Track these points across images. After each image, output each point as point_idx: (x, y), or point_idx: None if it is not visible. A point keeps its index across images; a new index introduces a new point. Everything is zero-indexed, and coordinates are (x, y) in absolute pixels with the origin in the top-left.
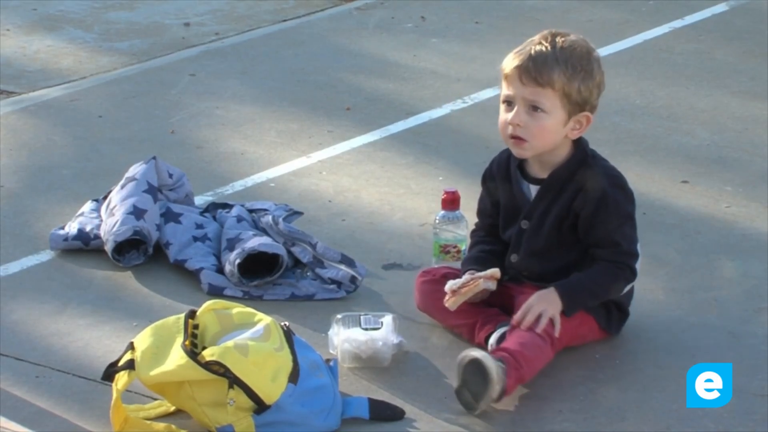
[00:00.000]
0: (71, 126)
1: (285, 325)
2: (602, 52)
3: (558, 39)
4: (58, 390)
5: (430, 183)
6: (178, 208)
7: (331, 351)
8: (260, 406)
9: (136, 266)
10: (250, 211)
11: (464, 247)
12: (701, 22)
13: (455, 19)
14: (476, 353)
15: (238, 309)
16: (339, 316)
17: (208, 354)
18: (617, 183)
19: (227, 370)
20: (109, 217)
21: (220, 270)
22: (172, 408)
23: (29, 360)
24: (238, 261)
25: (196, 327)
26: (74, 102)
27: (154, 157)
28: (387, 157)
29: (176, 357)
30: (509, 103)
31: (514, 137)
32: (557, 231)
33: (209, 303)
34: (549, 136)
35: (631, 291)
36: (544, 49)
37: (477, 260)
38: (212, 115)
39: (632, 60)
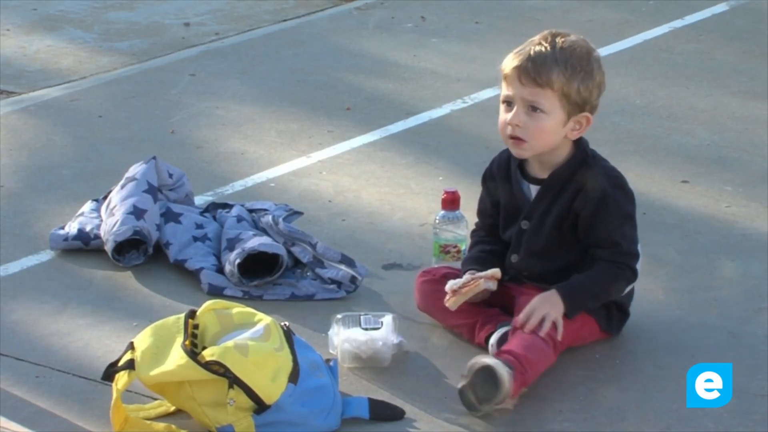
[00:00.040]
0: (71, 126)
1: (285, 325)
2: (602, 52)
3: (558, 39)
4: (58, 390)
5: (430, 183)
6: (178, 208)
7: (331, 351)
8: (260, 406)
9: (136, 266)
10: (250, 211)
11: (464, 247)
12: (701, 22)
13: (455, 19)
14: (489, 360)
15: (238, 309)
16: (339, 316)
17: (208, 354)
18: (617, 183)
19: (227, 370)
20: (109, 217)
21: (220, 270)
22: (172, 408)
23: (29, 360)
24: (238, 261)
25: (196, 327)
26: (74, 102)
27: (154, 157)
28: (387, 157)
29: (176, 357)
30: (509, 103)
31: (513, 137)
32: (557, 231)
33: (209, 303)
34: (548, 136)
35: (632, 291)
36: (543, 49)
37: (477, 260)
38: (212, 115)
39: (632, 60)
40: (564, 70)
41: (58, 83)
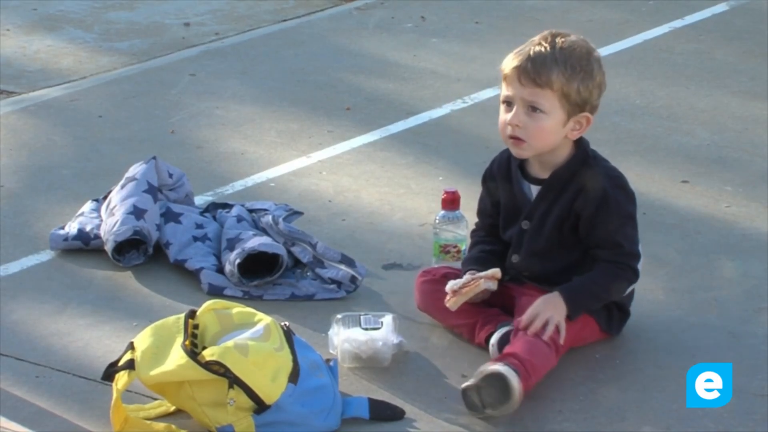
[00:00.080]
0: (71, 126)
1: (285, 325)
2: (602, 52)
3: (557, 39)
4: (58, 390)
5: (430, 183)
6: (178, 208)
7: (331, 351)
8: (260, 406)
9: (136, 266)
10: (250, 211)
11: (464, 247)
12: (701, 22)
13: (455, 19)
14: (502, 368)
15: (238, 309)
16: (339, 316)
17: (208, 354)
18: (618, 183)
19: (227, 370)
20: (109, 217)
21: (220, 270)
22: (172, 408)
23: (29, 360)
24: (238, 261)
25: (196, 327)
26: (74, 102)
27: (154, 157)
28: (387, 157)
29: (176, 357)
30: (509, 103)
31: (513, 137)
32: (558, 232)
33: (209, 303)
34: (548, 136)
35: (632, 291)
36: (543, 49)
37: (477, 260)
38: (212, 115)
39: (632, 60)
40: (564, 70)
41: (58, 83)
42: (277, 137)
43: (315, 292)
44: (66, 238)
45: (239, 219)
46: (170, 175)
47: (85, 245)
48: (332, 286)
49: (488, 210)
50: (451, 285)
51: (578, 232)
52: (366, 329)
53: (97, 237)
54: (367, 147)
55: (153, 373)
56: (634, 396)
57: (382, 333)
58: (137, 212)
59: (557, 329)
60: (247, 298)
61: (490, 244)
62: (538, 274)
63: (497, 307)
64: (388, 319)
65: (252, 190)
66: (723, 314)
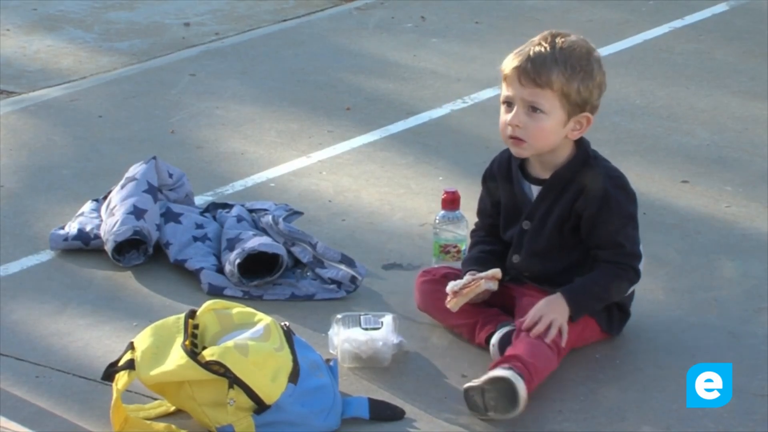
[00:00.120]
0: (71, 126)
1: (285, 325)
2: (602, 52)
3: (557, 39)
4: (58, 390)
5: (430, 183)
6: (178, 208)
7: (331, 351)
8: (260, 406)
9: (136, 266)
10: (250, 211)
11: (464, 247)
12: (701, 22)
13: (455, 19)
14: (509, 374)
15: (238, 309)
16: (339, 316)
17: (208, 354)
18: (619, 184)
19: (227, 370)
20: (109, 217)
21: (220, 270)
22: (172, 408)
23: (29, 360)
24: (238, 261)
25: (196, 327)
26: (74, 102)
27: (154, 157)
28: (387, 157)
29: (176, 357)
30: (509, 103)
31: (513, 138)
32: (559, 232)
33: (209, 303)
34: (548, 136)
35: (633, 291)
36: (543, 49)
37: (477, 260)
38: (212, 115)
39: (632, 60)
40: (563, 70)
41: (58, 83)
42: (277, 137)
43: (315, 292)
44: (66, 238)
45: (239, 219)
46: (170, 175)
47: (85, 245)
48: (332, 286)
49: (488, 210)
50: (451, 286)
51: (579, 232)
52: (366, 329)
53: (97, 237)
54: (367, 147)
55: (153, 373)
56: (634, 396)
57: (382, 333)
58: (137, 212)
59: (559, 331)
60: (247, 298)
61: (490, 244)
62: (539, 274)
63: (497, 307)
64: (388, 319)
65: (252, 190)
66: (723, 314)
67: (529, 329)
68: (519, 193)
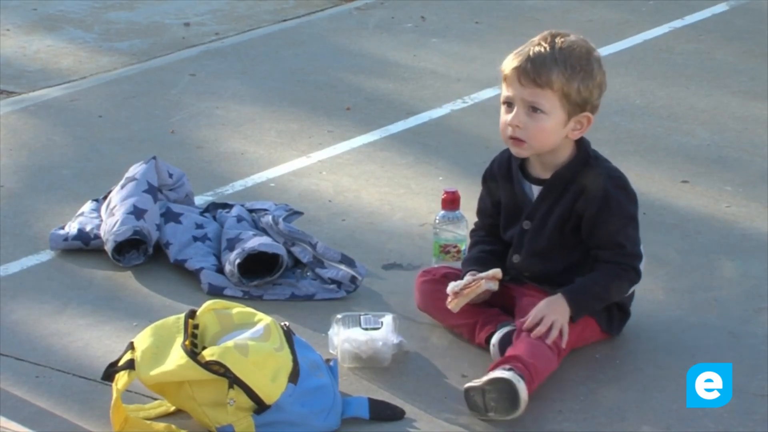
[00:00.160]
0: (71, 126)
1: (285, 325)
2: (602, 52)
3: (557, 40)
4: (58, 390)
5: (430, 183)
6: (178, 208)
7: (331, 351)
8: (260, 406)
9: (136, 266)
10: (250, 211)
11: (464, 247)
12: (701, 22)
13: (455, 19)
14: (510, 376)
15: (238, 309)
16: (339, 316)
17: (208, 354)
18: (619, 184)
19: (227, 370)
20: (109, 217)
21: (220, 270)
22: (172, 408)
23: (29, 360)
24: (238, 261)
25: (196, 327)
26: (74, 102)
27: (154, 157)
28: (387, 157)
29: (176, 357)
30: (509, 104)
31: (513, 138)
32: (559, 232)
33: (209, 303)
34: (548, 136)
35: (633, 292)
36: (542, 50)
37: (477, 261)
38: (212, 115)
39: (632, 60)
40: (563, 70)
41: (58, 83)
42: (277, 137)
43: (315, 292)
44: (66, 238)
45: (239, 219)
46: (170, 175)
47: (85, 245)
48: (332, 286)
49: (488, 210)
50: (452, 286)
51: (579, 232)
52: (366, 329)
53: (97, 237)
54: (367, 147)
55: (153, 373)
56: (634, 396)
57: (382, 333)
58: (137, 212)
59: (560, 332)
60: (247, 298)
61: (489, 244)
62: (539, 274)
63: (497, 307)
64: (388, 319)
65: (252, 190)
66: (723, 314)
67: (530, 330)
68: (519, 193)
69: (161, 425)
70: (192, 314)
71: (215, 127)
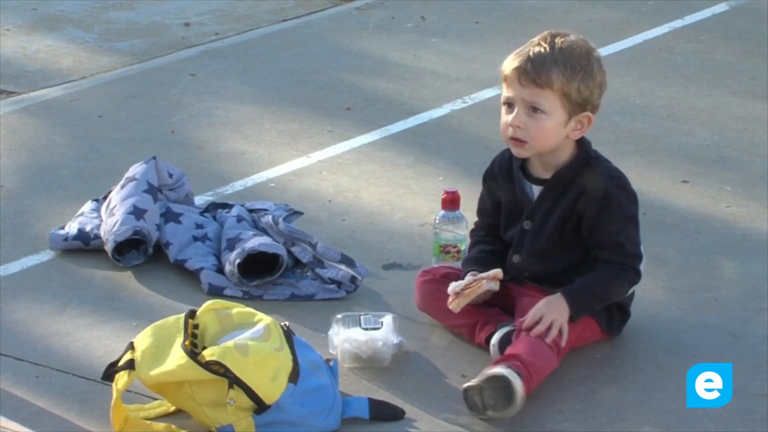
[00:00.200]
0: (71, 126)
1: (285, 325)
2: (602, 52)
3: (557, 40)
4: (58, 390)
5: (430, 183)
6: (178, 208)
7: (331, 351)
8: (260, 406)
9: (136, 266)
10: (250, 211)
11: (464, 247)
12: (701, 22)
13: (455, 19)
14: (505, 371)
15: (238, 309)
16: (339, 316)
17: (208, 354)
18: (620, 184)
19: (227, 370)
20: (109, 217)
21: (220, 270)
22: (172, 408)
23: (29, 360)
24: (238, 261)
25: (196, 327)
26: (74, 102)
27: (154, 157)
28: (387, 157)
29: (176, 357)
30: (509, 104)
31: (514, 139)
32: (560, 232)
33: (209, 303)
34: (549, 137)
35: (633, 292)
36: (542, 50)
37: (478, 261)
38: (212, 115)
39: (632, 60)
40: (563, 70)
41: (58, 83)
42: (277, 137)
43: (315, 292)
44: (66, 238)
45: (239, 219)
46: (170, 175)
47: (85, 245)
48: (332, 286)
49: (488, 209)
50: (453, 287)
51: (580, 232)
52: (366, 329)
53: (97, 237)
54: (367, 147)
55: (153, 373)
56: (634, 396)
57: (382, 333)
58: (137, 212)
59: (560, 331)
60: (247, 298)
61: (489, 244)
62: (539, 274)
63: (498, 307)
64: (388, 319)
65: (252, 190)
66: (723, 314)
67: (529, 329)
68: (520, 193)
69: (161, 425)
70: (192, 314)
71: (215, 127)
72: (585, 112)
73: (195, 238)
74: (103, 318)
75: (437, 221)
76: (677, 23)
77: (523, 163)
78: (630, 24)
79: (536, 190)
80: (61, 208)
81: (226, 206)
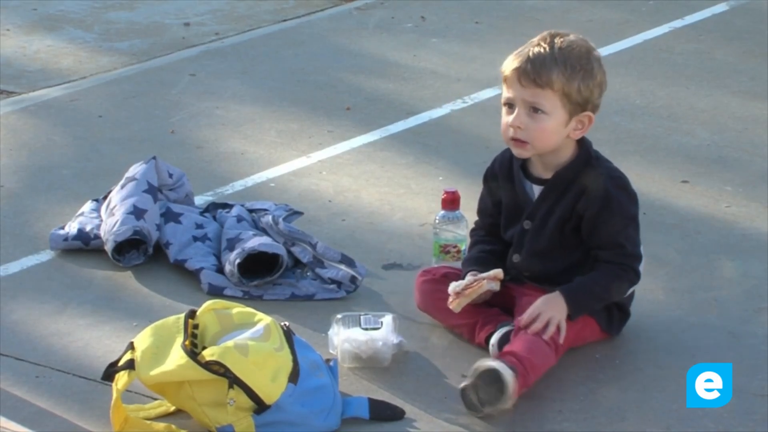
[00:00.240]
0: (71, 126)
1: (285, 325)
2: (602, 52)
3: (556, 40)
4: (58, 390)
5: (430, 183)
6: (178, 208)
7: (331, 351)
8: (260, 406)
9: (136, 266)
10: (250, 211)
11: (464, 247)
12: (701, 22)
13: (455, 19)
14: (496, 364)
15: (238, 309)
16: (339, 316)
17: (208, 354)
18: (620, 184)
19: (227, 370)
20: (109, 217)
21: (220, 270)
22: (172, 408)
23: (29, 360)
24: (238, 261)
25: (196, 327)
26: (74, 102)
27: (154, 157)
28: (387, 157)
29: (176, 357)
30: (510, 105)
31: (515, 140)
32: (560, 232)
33: (209, 303)
34: (550, 137)
35: (633, 292)
36: (542, 50)
37: (478, 261)
38: (212, 115)
39: (632, 60)
40: (563, 70)
41: (58, 83)
42: (277, 137)
43: (315, 292)
44: (66, 238)
45: (239, 219)
46: (170, 175)
47: (85, 245)
48: (332, 286)
49: (489, 209)
50: (453, 287)
51: (580, 232)
52: (366, 329)
53: (97, 237)
54: (367, 147)
55: (153, 373)
56: (634, 396)
57: (382, 333)
58: (137, 212)
59: (557, 328)
60: (247, 298)
61: (489, 243)
62: (539, 274)
63: (497, 307)
64: (388, 319)
65: (252, 190)
66: (723, 314)
67: (526, 326)
68: (520, 193)
69: (161, 425)
70: (192, 314)
71: (215, 127)
72: (585, 112)
73: (195, 238)
74: (103, 318)
75: (437, 221)
76: (677, 23)
77: (524, 163)
78: (630, 24)
79: (537, 190)
80: (61, 208)
81: (226, 206)
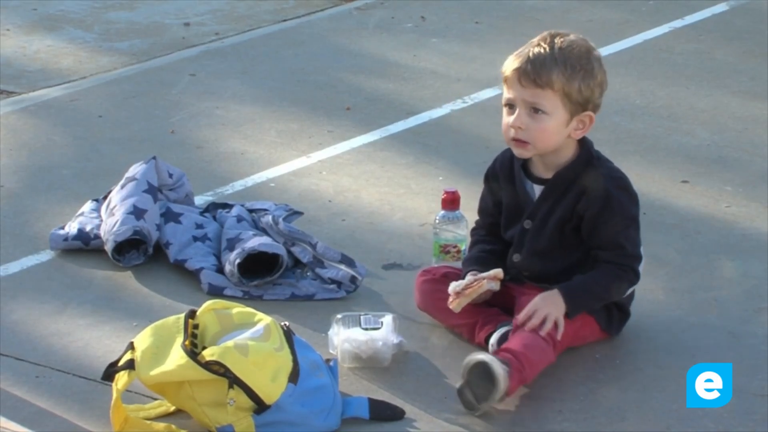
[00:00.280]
0: (71, 126)
1: (285, 325)
2: (602, 52)
3: (557, 40)
4: (58, 390)
5: (430, 183)
6: (178, 208)
7: (331, 351)
8: (260, 406)
9: (136, 266)
10: (250, 211)
11: (464, 247)
12: (701, 22)
13: (455, 19)
14: (484, 356)
15: (238, 309)
16: (339, 316)
17: (208, 354)
18: (621, 185)
19: (227, 370)
20: (109, 217)
21: (220, 270)
22: (172, 408)
23: (29, 360)
24: (238, 261)
25: (196, 327)
26: (74, 102)
27: (154, 157)
28: (387, 157)
29: (176, 357)
30: (511, 106)
31: (515, 140)
32: (560, 232)
33: (209, 303)
34: (551, 137)
35: (633, 292)
36: (542, 50)
37: (478, 260)
38: (212, 115)
39: (632, 60)
40: (564, 70)
41: (58, 83)
42: (277, 137)
43: (315, 292)
44: (66, 238)
45: (239, 219)
46: (170, 175)
47: (85, 245)
48: (332, 286)
49: (489, 209)
50: (453, 287)
51: (580, 232)
52: (366, 329)
53: (97, 237)
54: (367, 147)
55: (153, 373)
56: (634, 396)
57: (382, 333)
58: (137, 212)
59: (555, 325)
60: (247, 298)
61: (490, 243)
62: (539, 273)
63: (497, 306)
64: (388, 319)
65: (252, 190)
66: (723, 314)
67: (523, 323)
68: (521, 193)
69: (161, 425)
70: (192, 314)
71: (215, 127)
72: (586, 112)
73: (195, 238)
74: (103, 318)
75: (437, 221)
76: (677, 23)
77: (525, 163)
78: (630, 24)
79: (537, 190)
80: (61, 208)
81: (226, 206)
